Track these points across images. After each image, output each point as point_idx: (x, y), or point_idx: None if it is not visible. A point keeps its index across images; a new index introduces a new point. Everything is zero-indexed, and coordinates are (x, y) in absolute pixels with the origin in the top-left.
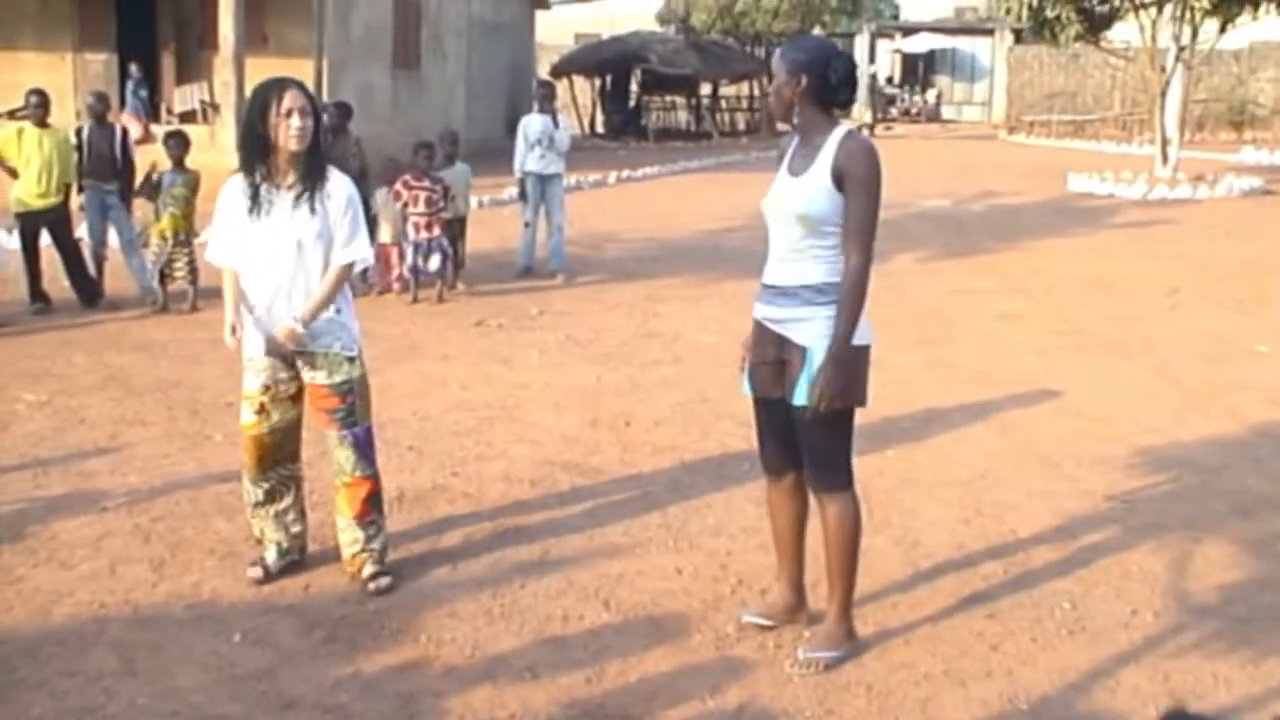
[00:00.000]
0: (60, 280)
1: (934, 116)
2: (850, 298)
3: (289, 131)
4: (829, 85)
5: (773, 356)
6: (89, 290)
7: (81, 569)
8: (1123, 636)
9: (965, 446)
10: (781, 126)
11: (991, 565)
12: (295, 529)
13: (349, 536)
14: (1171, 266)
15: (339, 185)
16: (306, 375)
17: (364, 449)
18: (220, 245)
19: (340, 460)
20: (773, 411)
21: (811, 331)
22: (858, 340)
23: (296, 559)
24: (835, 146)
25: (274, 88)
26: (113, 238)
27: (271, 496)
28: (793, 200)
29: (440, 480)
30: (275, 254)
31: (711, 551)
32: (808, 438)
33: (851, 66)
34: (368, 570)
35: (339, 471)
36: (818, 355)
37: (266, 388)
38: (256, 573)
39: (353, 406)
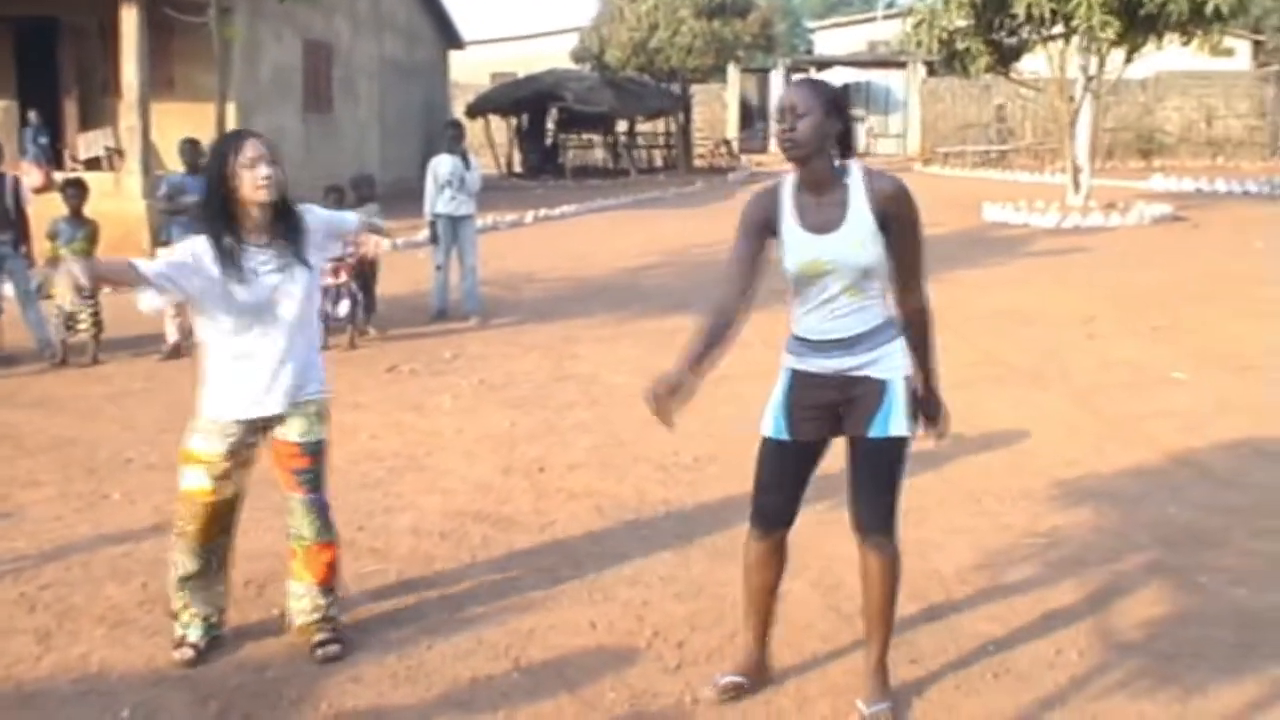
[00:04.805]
0: None
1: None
2: (932, 329)
3: (256, 181)
4: (850, 130)
5: (829, 400)
6: None
7: None
8: (1048, 678)
9: None
10: (701, 163)
11: (913, 607)
12: (221, 601)
13: (308, 603)
14: (1087, 295)
15: (312, 219)
16: (279, 433)
17: (326, 513)
18: (161, 289)
19: (302, 525)
20: (797, 455)
21: (887, 366)
22: (911, 371)
23: (219, 634)
24: (864, 188)
25: (231, 139)
26: (8, 289)
27: (208, 567)
28: (848, 255)
29: (346, 535)
30: (272, 321)
31: (627, 602)
32: (877, 476)
33: None
34: (317, 636)
35: (297, 536)
36: (897, 385)
37: (233, 452)
38: (187, 654)
39: (319, 469)
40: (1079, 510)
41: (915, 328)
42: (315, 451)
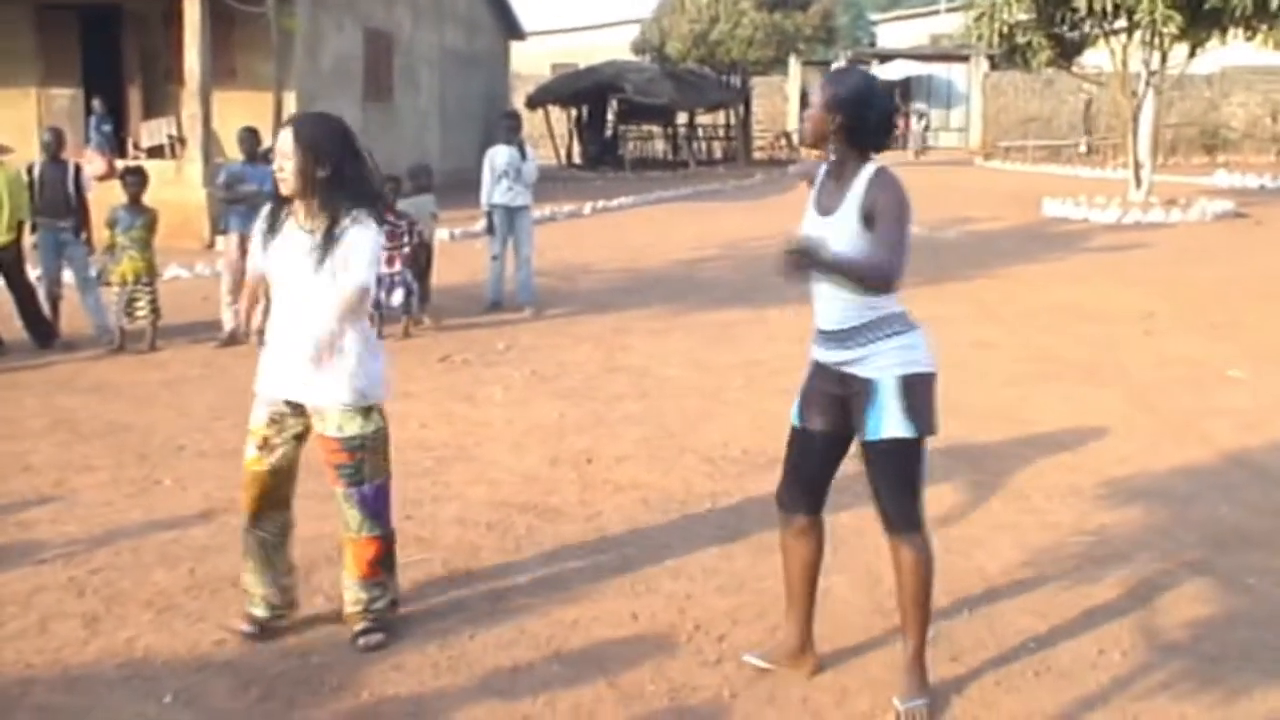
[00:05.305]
0: (13, 321)
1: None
2: (863, 266)
3: (275, 174)
4: (864, 127)
5: (833, 391)
6: (43, 331)
7: (10, 627)
8: (1090, 677)
9: (933, 480)
10: (760, 156)
11: (955, 604)
12: (285, 581)
13: (352, 595)
14: (1146, 291)
15: (354, 232)
16: (317, 425)
17: (372, 507)
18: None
19: (347, 517)
20: (812, 444)
21: (877, 364)
22: (925, 368)
23: (283, 616)
24: (864, 186)
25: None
26: (67, 276)
27: (263, 545)
28: (830, 243)
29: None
30: (294, 306)
31: (670, 595)
32: (886, 477)
33: (890, 111)
34: (359, 625)
35: (345, 527)
36: (886, 385)
37: (273, 421)
38: (249, 629)
39: (361, 464)
40: (1128, 509)
41: (865, 262)
42: (354, 447)
